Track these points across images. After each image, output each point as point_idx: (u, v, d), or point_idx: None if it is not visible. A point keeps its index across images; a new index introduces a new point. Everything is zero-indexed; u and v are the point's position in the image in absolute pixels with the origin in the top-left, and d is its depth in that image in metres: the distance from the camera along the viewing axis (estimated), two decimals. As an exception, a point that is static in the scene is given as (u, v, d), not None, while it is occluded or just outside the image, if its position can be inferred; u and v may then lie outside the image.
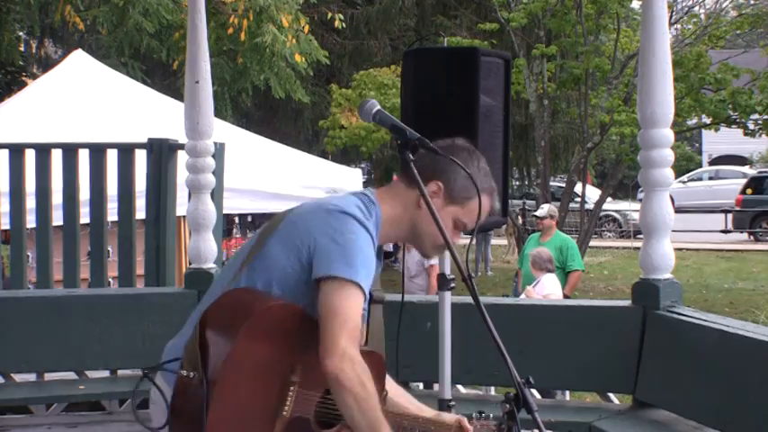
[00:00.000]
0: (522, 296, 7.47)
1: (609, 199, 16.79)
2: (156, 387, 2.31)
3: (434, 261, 7.48)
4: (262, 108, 18.49)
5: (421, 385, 4.42)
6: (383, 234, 2.39)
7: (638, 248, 4.11)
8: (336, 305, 2.20)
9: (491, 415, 2.44)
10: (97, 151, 5.75)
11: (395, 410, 2.41)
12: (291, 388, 2.24)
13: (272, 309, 2.23)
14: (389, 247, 11.23)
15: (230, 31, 12.12)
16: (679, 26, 15.54)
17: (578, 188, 15.04)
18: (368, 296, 2.30)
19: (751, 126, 13.79)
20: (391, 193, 2.43)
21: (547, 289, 7.44)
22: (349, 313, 2.20)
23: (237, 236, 12.48)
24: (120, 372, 4.71)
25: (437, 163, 2.37)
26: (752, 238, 22.12)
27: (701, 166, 34.18)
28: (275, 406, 2.24)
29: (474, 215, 2.37)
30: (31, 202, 5.82)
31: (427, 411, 2.50)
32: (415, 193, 2.35)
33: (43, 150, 5.77)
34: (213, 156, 4.61)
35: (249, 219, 12.65)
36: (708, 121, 14.34)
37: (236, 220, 12.83)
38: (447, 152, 2.35)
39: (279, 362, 2.23)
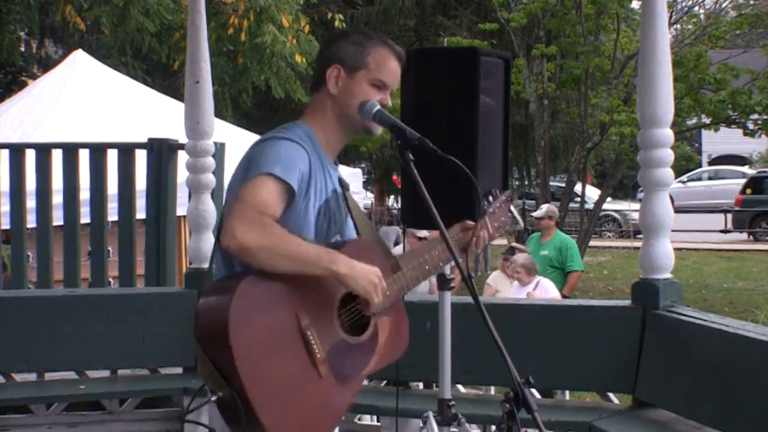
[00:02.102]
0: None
1: (609, 199, 16.79)
2: (202, 425, 2.39)
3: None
4: (262, 108, 18.51)
5: (421, 385, 4.42)
6: (325, 142, 2.50)
7: (638, 248, 4.10)
8: (238, 195, 2.30)
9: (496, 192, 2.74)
10: (97, 151, 5.75)
11: (403, 274, 2.54)
12: (309, 332, 2.28)
13: (241, 294, 2.21)
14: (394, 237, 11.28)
15: (230, 31, 12.13)
16: (679, 26, 15.53)
17: (578, 188, 15.04)
18: (307, 187, 2.36)
19: (750, 126, 13.79)
20: (309, 108, 2.55)
21: (550, 290, 7.48)
22: (246, 195, 2.28)
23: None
24: (120, 372, 4.72)
25: (322, 53, 2.55)
26: (751, 237, 22.13)
27: (700, 166, 34.19)
28: (309, 358, 2.28)
29: (383, 68, 2.49)
30: (31, 202, 5.82)
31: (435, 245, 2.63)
32: (324, 89, 2.49)
33: (43, 150, 5.78)
34: (213, 156, 4.61)
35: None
36: (707, 121, 14.34)
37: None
38: (333, 44, 2.52)
39: (283, 324, 2.26)
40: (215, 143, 4.69)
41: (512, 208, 2.89)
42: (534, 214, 9.31)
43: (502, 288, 8.02)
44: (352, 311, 2.42)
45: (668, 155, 3.83)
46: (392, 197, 25.02)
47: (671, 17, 13.66)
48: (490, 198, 2.81)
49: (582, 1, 13.50)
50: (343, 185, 2.61)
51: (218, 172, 5.09)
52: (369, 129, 2.52)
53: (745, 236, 22.33)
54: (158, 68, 15.58)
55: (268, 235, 2.23)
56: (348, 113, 2.48)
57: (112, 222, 5.98)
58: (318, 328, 2.31)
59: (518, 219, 2.89)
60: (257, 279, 2.24)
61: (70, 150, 5.75)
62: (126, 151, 5.75)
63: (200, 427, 2.42)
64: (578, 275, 8.89)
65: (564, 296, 8.42)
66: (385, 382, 4.27)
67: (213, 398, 2.22)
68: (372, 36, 2.55)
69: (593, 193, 17.90)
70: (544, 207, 9.26)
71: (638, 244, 5.29)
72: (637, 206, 14.71)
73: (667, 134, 3.82)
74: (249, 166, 2.36)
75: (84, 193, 5.81)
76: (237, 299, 2.19)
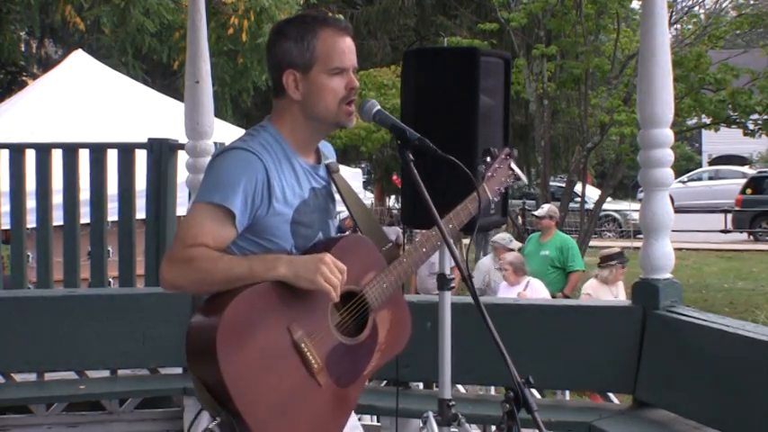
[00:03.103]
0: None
1: (609, 199, 16.78)
2: None
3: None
4: (262, 108, 18.50)
5: (421, 385, 4.42)
6: (295, 143, 2.42)
7: (638, 248, 4.10)
8: (178, 229, 2.37)
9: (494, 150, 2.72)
10: (97, 151, 5.74)
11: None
12: (302, 344, 2.25)
13: (227, 319, 2.18)
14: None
15: (230, 31, 12.13)
16: (679, 26, 15.54)
17: (578, 188, 15.04)
18: (242, 199, 2.29)
19: (751, 126, 13.79)
20: (276, 112, 2.46)
21: (540, 291, 7.44)
22: (179, 230, 2.34)
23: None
24: (120, 372, 4.71)
25: (270, 58, 2.44)
26: (752, 237, 22.12)
27: (700, 166, 34.18)
28: (306, 370, 2.26)
29: (334, 54, 2.38)
30: (31, 202, 5.82)
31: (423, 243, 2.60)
32: (287, 96, 2.40)
33: (43, 150, 5.77)
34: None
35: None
36: (708, 121, 14.35)
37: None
38: (276, 47, 2.41)
39: (274, 341, 2.23)
40: (215, 143, 4.68)
41: (512, 165, 2.84)
42: (535, 213, 9.33)
43: (602, 297, 7.54)
44: (349, 312, 2.40)
45: (668, 155, 3.82)
46: (392, 197, 25.01)
47: (671, 17, 13.66)
48: (488, 159, 2.76)
49: (582, 1, 13.50)
50: (331, 169, 2.55)
51: (218, 172, 5.07)
52: (342, 123, 2.44)
53: (745, 236, 22.32)
54: (158, 68, 15.57)
55: (193, 270, 2.24)
56: (317, 115, 2.41)
57: (112, 222, 5.97)
58: (312, 337, 2.28)
59: (520, 174, 2.83)
60: (242, 300, 2.20)
61: (70, 150, 5.74)
62: (126, 151, 5.74)
63: None
64: (579, 275, 8.88)
65: (565, 296, 8.42)
66: (385, 382, 4.27)
67: (212, 424, 2.21)
68: (309, 23, 2.41)
69: (593, 193, 17.89)
70: (545, 207, 9.27)
71: (638, 244, 5.29)
72: (637, 206, 14.72)
73: (667, 134, 3.82)
74: (198, 188, 2.38)
75: (84, 193, 5.80)
76: (224, 326, 2.16)
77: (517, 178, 2.84)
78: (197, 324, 2.28)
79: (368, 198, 23.46)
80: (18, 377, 4.66)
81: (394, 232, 14.90)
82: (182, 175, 5.19)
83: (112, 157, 5.75)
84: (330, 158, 2.60)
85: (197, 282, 2.26)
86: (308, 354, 2.26)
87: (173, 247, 2.30)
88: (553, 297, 8.12)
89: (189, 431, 2.30)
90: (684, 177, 27.80)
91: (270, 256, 2.29)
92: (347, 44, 2.41)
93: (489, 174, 2.78)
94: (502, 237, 8.84)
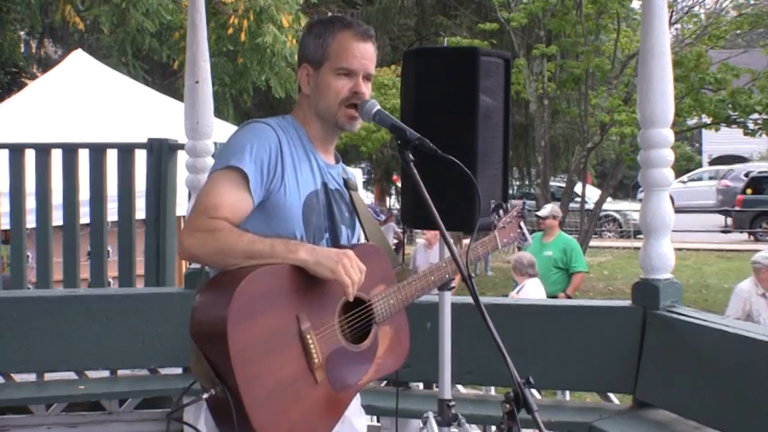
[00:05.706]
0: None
1: (609, 199, 16.80)
2: (187, 425, 2.35)
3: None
4: (262, 108, 18.53)
5: (421, 385, 4.41)
6: (312, 134, 2.48)
7: (638, 248, 4.10)
8: (196, 198, 2.35)
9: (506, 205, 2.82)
10: (97, 151, 5.74)
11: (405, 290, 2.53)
12: (308, 336, 2.25)
13: (242, 292, 2.16)
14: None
15: (230, 31, 12.14)
16: (679, 26, 15.56)
17: (578, 188, 15.05)
18: (268, 171, 2.32)
19: (751, 126, 13.81)
20: (295, 105, 2.56)
21: (530, 295, 7.38)
22: (198, 200, 2.31)
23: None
24: (120, 372, 4.71)
25: (297, 54, 2.55)
26: (752, 238, 22.12)
27: (701, 166, 34.19)
28: (306, 362, 2.25)
29: (344, 55, 2.44)
30: (31, 202, 5.82)
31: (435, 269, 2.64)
32: (302, 90, 2.50)
33: (43, 150, 5.77)
34: (213, 156, 4.61)
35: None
36: (708, 120, 14.35)
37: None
38: (301, 41, 2.50)
39: (282, 325, 2.22)
40: (215, 143, 4.69)
41: (521, 224, 2.89)
42: (539, 213, 9.29)
43: None
44: (353, 318, 2.39)
45: (668, 155, 3.82)
46: (392, 197, 25.03)
47: (671, 17, 13.67)
48: (501, 212, 2.80)
49: (582, 1, 13.51)
50: (349, 186, 2.58)
51: (218, 172, 5.07)
52: (341, 125, 2.47)
53: (745, 236, 22.32)
54: (158, 68, 15.59)
55: (215, 240, 2.24)
56: (321, 110, 2.46)
57: (112, 222, 5.97)
58: (318, 332, 2.28)
59: (527, 236, 2.90)
60: (259, 277, 2.20)
61: (70, 150, 5.74)
62: (126, 151, 5.75)
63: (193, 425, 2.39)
64: (582, 276, 8.86)
65: (568, 297, 8.40)
66: (385, 382, 4.27)
67: (205, 396, 2.18)
68: (333, 23, 2.48)
69: (593, 194, 17.90)
70: (548, 206, 9.24)
71: (639, 244, 5.28)
72: (637, 206, 14.71)
73: (667, 134, 3.82)
74: (220, 151, 2.42)
75: (84, 193, 5.80)
76: (238, 297, 2.15)
77: (524, 239, 2.88)
78: (208, 294, 2.27)
79: (368, 198, 23.48)
80: (18, 377, 4.66)
81: (390, 229, 14.94)
82: (182, 175, 5.19)
83: (112, 157, 5.75)
84: (348, 176, 2.63)
85: (217, 252, 2.25)
86: (312, 347, 2.25)
87: (193, 217, 2.30)
88: (555, 298, 8.11)
89: (177, 402, 2.26)
90: (684, 177, 27.81)
91: (292, 241, 2.30)
92: (362, 49, 2.45)
93: (501, 225, 2.82)
94: (764, 255, 7.32)
